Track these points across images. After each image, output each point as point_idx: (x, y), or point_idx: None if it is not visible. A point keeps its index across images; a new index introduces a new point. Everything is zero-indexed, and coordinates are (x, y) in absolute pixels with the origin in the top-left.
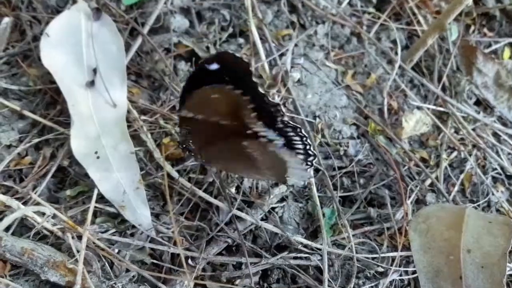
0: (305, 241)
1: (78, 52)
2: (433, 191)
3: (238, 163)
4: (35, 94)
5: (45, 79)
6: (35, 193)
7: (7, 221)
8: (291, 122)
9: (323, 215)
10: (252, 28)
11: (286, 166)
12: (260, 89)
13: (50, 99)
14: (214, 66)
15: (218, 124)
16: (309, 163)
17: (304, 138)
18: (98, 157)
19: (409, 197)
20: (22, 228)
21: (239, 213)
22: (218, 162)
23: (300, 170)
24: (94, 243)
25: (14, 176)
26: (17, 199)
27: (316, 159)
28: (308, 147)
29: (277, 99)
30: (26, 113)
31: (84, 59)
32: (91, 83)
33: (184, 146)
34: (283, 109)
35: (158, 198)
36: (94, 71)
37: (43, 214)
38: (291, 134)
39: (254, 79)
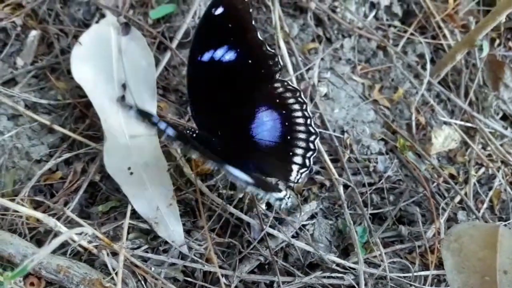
0: (339, 260)
1: (108, 66)
2: (463, 208)
3: None
4: (64, 108)
5: (74, 92)
6: (68, 209)
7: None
8: (290, 84)
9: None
10: (280, 42)
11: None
12: (259, 36)
13: (79, 113)
14: (219, 10)
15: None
16: (310, 144)
17: (305, 106)
18: (131, 173)
19: (440, 214)
20: None
21: (271, 231)
22: None
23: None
24: (128, 259)
25: (45, 191)
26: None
27: (318, 138)
28: (309, 121)
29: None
30: (56, 127)
31: (115, 74)
32: (122, 98)
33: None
34: (281, 61)
35: (188, 213)
36: (124, 86)
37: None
38: (291, 101)
39: (254, 23)
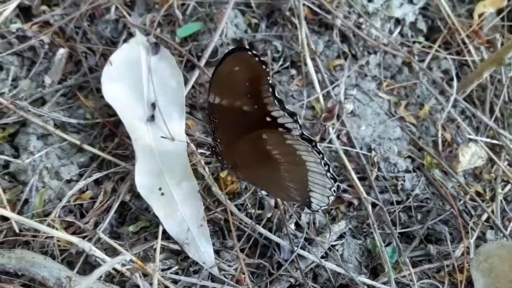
0: (369, 282)
1: (138, 86)
2: (491, 227)
3: (261, 171)
4: (93, 126)
5: (103, 111)
6: (99, 230)
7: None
8: (306, 135)
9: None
10: (307, 60)
11: (306, 169)
12: (277, 94)
13: (108, 132)
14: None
15: (242, 112)
16: (328, 191)
17: (321, 155)
18: (162, 194)
19: (468, 232)
20: (86, 265)
21: (301, 252)
22: (244, 169)
23: (321, 175)
24: (161, 282)
25: (75, 211)
26: (80, 236)
27: (336, 184)
28: (327, 167)
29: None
30: (86, 146)
31: (145, 94)
32: (152, 118)
33: (213, 148)
34: (299, 120)
35: (217, 233)
36: (153, 105)
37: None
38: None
39: (271, 81)
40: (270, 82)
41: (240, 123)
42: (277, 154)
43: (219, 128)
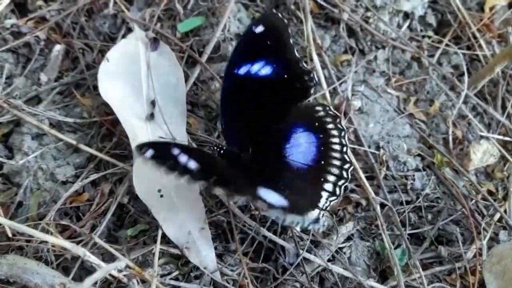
0: (378, 286)
1: (137, 83)
2: (504, 227)
3: None
4: (90, 126)
5: (100, 109)
6: (95, 234)
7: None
8: (332, 110)
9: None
10: (313, 55)
11: None
12: (296, 53)
13: (106, 131)
14: (260, 29)
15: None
16: (344, 172)
17: (343, 133)
18: (161, 196)
19: (480, 233)
20: (82, 270)
21: (307, 255)
22: None
23: None
24: None
25: (71, 214)
26: (75, 241)
27: (352, 167)
28: (345, 149)
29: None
30: (82, 146)
31: (144, 91)
32: (151, 116)
33: (216, 148)
34: (316, 77)
35: (220, 236)
36: (153, 103)
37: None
38: (330, 126)
39: (291, 40)
40: None
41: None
42: None
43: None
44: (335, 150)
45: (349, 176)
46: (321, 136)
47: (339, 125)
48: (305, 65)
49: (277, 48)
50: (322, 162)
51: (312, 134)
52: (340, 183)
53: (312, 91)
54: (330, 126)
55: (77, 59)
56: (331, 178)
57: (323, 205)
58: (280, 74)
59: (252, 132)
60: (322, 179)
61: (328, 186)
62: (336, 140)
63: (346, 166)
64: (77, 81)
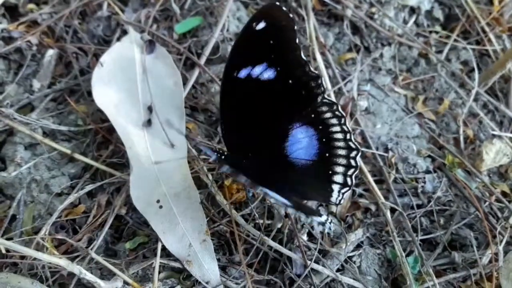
0: None
1: (132, 88)
2: None
3: None
4: (85, 133)
5: (95, 116)
6: (92, 248)
7: None
8: (326, 98)
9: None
10: (316, 54)
11: None
12: (303, 56)
13: (102, 139)
14: (261, 25)
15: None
16: (352, 160)
17: (343, 120)
18: (160, 207)
19: (495, 237)
20: (79, 287)
21: (315, 266)
22: None
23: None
24: None
25: (67, 227)
26: (72, 256)
27: (360, 153)
28: (349, 136)
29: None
30: (77, 156)
31: (140, 96)
32: (148, 123)
33: (217, 153)
34: (324, 83)
35: (223, 247)
36: (150, 109)
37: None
38: (328, 115)
39: (298, 41)
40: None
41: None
42: None
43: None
44: (338, 139)
45: (358, 164)
46: (320, 127)
47: (337, 113)
48: (312, 69)
49: (281, 49)
50: (327, 155)
51: (310, 126)
52: (349, 172)
53: (319, 99)
54: (328, 115)
55: (71, 64)
56: (339, 169)
57: (337, 199)
58: (284, 79)
59: (253, 138)
60: (330, 172)
61: (338, 178)
62: (337, 128)
63: (353, 153)
64: (71, 87)
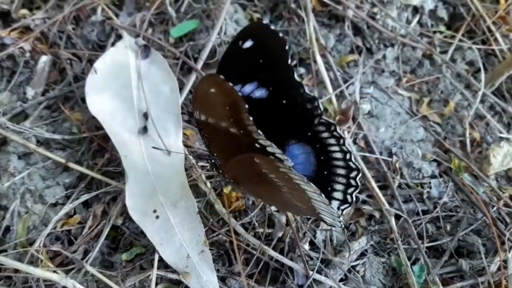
0: None
1: (127, 95)
2: None
3: (264, 189)
4: (80, 142)
5: (90, 124)
6: (87, 261)
7: None
8: (324, 118)
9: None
10: (317, 57)
11: (308, 196)
12: (296, 77)
13: (97, 147)
14: (248, 44)
15: (230, 133)
16: (352, 180)
17: (342, 141)
18: (157, 217)
19: (504, 244)
20: None
21: (317, 276)
22: (247, 184)
23: (324, 204)
24: None
25: (62, 238)
26: (68, 269)
27: (360, 173)
28: (348, 156)
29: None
30: (72, 165)
31: (135, 103)
32: (144, 130)
33: (212, 160)
34: (321, 106)
35: (222, 257)
36: (145, 115)
37: None
38: (325, 135)
39: (290, 61)
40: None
41: (232, 143)
42: (275, 178)
43: (212, 143)
44: (337, 159)
45: (359, 184)
46: (317, 146)
47: (335, 133)
48: (307, 91)
49: (271, 69)
50: (325, 172)
51: (307, 145)
52: (349, 191)
53: (317, 121)
54: (325, 134)
55: (65, 71)
56: (339, 186)
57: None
58: (277, 99)
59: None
60: (329, 189)
61: (338, 195)
62: (335, 148)
63: (353, 174)
64: (65, 94)
